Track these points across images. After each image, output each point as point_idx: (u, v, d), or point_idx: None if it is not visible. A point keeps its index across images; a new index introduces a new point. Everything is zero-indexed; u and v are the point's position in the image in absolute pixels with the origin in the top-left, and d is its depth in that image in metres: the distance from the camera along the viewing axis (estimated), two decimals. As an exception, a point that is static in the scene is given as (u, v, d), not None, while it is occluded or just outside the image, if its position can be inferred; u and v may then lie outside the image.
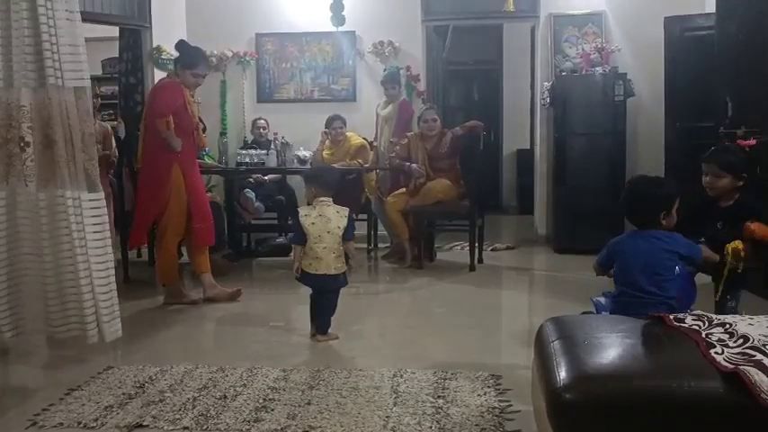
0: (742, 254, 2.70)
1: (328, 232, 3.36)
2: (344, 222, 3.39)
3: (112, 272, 3.07)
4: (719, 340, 1.85)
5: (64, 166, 2.89)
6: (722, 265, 2.73)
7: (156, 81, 4.34)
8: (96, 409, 2.57)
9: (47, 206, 2.88)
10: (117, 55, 6.81)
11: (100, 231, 2.99)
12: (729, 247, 2.70)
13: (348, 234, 3.41)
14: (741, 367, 1.66)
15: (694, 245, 2.60)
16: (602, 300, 2.70)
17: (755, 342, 1.78)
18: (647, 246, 2.48)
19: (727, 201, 2.94)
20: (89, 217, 2.96)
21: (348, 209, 3.45)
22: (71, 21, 2.88)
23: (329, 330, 3.45)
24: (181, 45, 4.31)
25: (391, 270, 5.41)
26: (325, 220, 3.37)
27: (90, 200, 2.96)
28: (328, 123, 5.90)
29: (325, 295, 3.44)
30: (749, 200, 2.96)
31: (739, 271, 2.74)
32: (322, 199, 3.42)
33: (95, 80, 7.86)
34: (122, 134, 5.60)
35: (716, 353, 1.76)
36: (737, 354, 1.74)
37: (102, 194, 3.03)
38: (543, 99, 6.31)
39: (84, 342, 3.03)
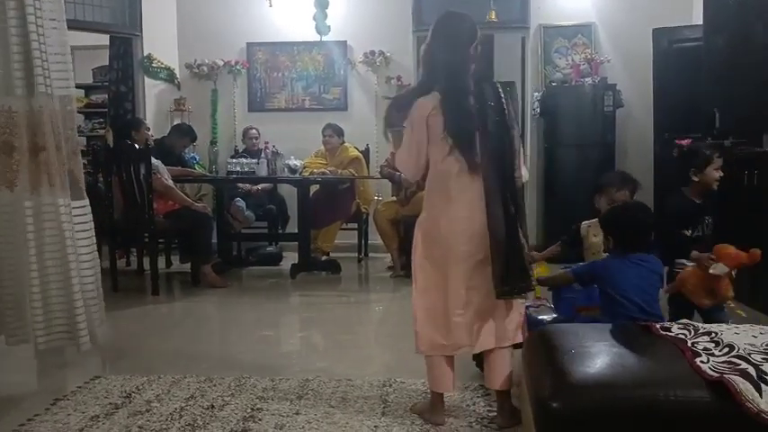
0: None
1: None
2: None
3: (99, 276, 3.09)
4: (705, 349, 1.85)
5: (55, 174, 2.87)
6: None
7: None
8: (82, 419, 2.55)
9: (33, 213, 2.86)
10: (107, 63, 6.80)
11: (88, 238, 2.99)
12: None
13: None
14: (726, 376, 1.67)
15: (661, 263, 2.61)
16: (545, 317, 2.71)
17: (741, 351, 1.79)
18: (636, 268, 2.48)
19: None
20: (78, 224, 2.95)
21: None
22: (58, 29, 2.88)
23: None
24: None
25: (381, 280, 5.41)
26: None
27: (78, 206, 2.95)
28: (322, 132, 5.91)
29: None
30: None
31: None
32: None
33: (86, 88, 7.90)
34: (111, 142, 5.58)
35: (701, 362, 1.77)
36: (723, 363, 1.75)
37: (87, 201, 3.03)
38: (533, 109, 6.33)
39: (70, 351, 3.01)
